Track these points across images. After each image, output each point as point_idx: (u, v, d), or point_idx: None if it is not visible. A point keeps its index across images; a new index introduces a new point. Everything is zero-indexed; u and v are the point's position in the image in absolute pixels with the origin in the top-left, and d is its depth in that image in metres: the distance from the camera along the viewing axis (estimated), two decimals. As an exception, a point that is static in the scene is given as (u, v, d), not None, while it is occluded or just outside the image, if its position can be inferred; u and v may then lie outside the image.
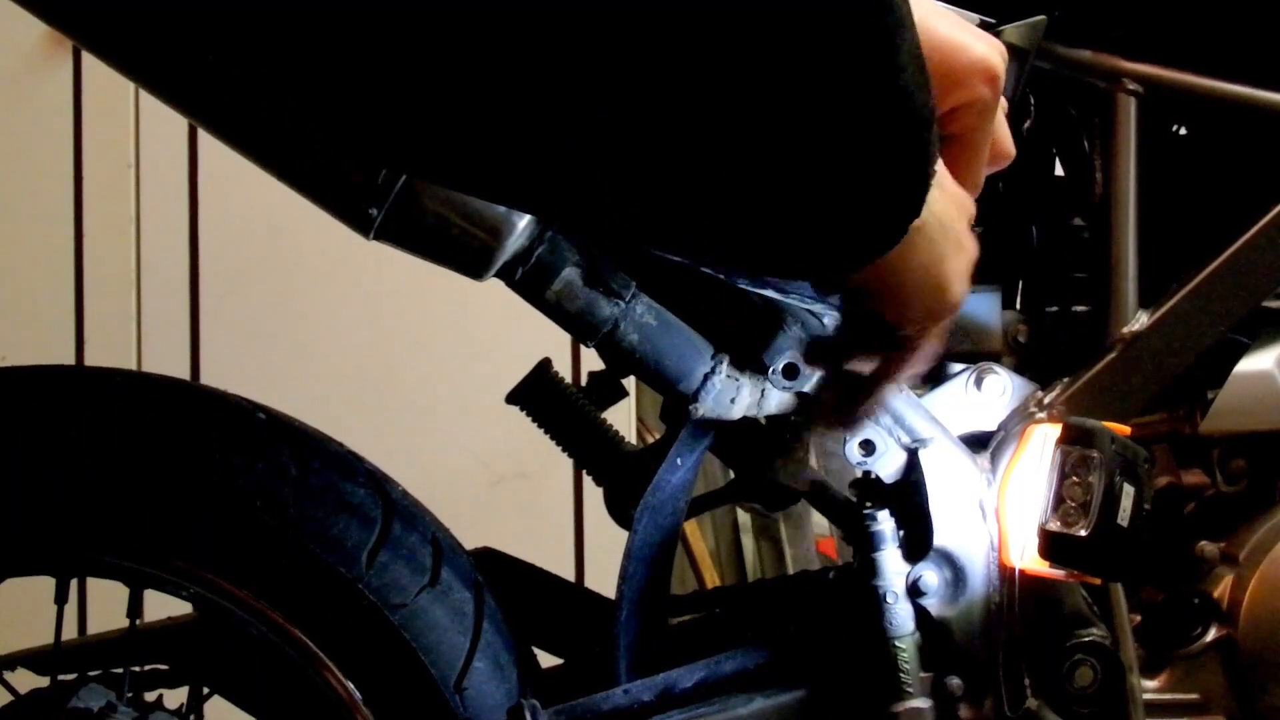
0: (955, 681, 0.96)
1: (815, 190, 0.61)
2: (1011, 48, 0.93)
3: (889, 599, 0.95)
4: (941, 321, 0.79)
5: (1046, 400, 1.00)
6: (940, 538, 0.95)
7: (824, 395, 0.94)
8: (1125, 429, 0.94)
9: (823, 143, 0.58)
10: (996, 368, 1.02)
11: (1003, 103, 0.79)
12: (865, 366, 0.84)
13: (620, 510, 1.03)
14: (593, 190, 0.60)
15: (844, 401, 0.89)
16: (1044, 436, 0.96)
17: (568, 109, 0.54)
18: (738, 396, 0.94)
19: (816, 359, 0.93)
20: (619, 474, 1.04)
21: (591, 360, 0.97)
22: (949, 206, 0.75)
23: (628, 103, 0.54)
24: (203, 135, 1.73)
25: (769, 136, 0.57)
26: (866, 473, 0.99)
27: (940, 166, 0.75)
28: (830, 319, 0.95)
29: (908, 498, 0.97)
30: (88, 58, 1.34)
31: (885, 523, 0.95)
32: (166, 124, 2.04)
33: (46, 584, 0.95)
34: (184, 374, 2.12)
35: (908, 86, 0.59)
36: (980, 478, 0.97)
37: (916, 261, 0.74)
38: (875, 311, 0.77)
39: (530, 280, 0.90)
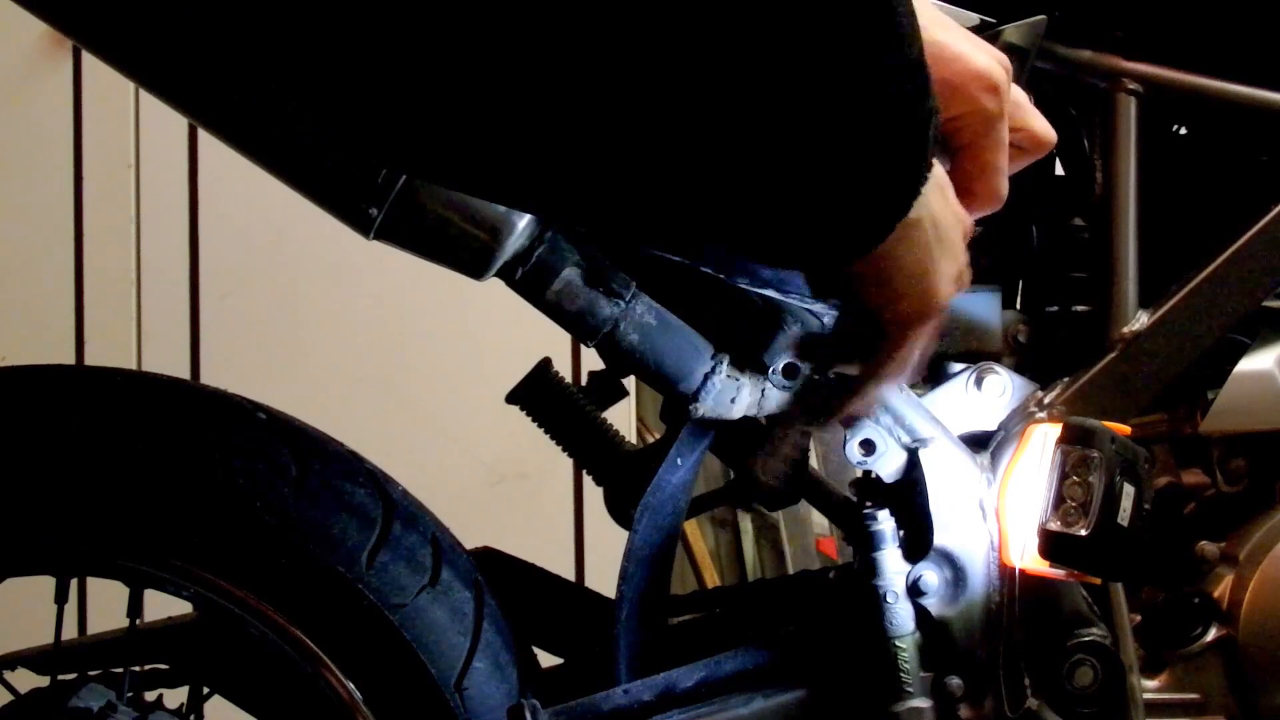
0: (955, 681, 0.96)
1: (813, 180, 0.62)
2: (1011, 48, 0.94)
3: (889, 599, 0.95)
4: (927, 323, 0.80)
5: (1047, 400, 1.00)
6: (940, 537, 0.95)
7: (816, 392, 0.94)
8: (1125, 429, 0.94)
9: (822, 134, 0.59)
10: (996, 368, 1.02)
11: (1020, 95, 0.80)
12: (855, 365, 0.85)
13: (620, 510, 1.03)
14: (587, 185, 0.61)
15: (836, 398, 0.89)
16: (1044, 436, 0.96)
17: (563, 107, 0.54)
18: (738, 396, 0.94)
19: (809, 355, 0.94)
20: (619, 474, 1.03)
21: (591, 360, 0.97)
22: (946, 213, 0.76)
23: (627, 95, 0.54)
24: (203, 135, 1.73)
25: (768, 125, 0.58)
26: (866, 472, 0.99)
27: (943, 176, 0.76)
28: (830, 318, 0.95)
29: (908, 497, 0.97)
30: (88, 58, 1.34)
31: (885, 522, 0.95)
32: (166, 124, 2.04)
33: (46, 584, 0.94)
34: (184, 374, 2.12)
35: (907, 88, 0.60)
36: (980, 477, 0.97)
37: (909, 259, 0.75)
38: (866, 305, 0.79)
39: (530, 280, 0.90)
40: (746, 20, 0.53)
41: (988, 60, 0.75)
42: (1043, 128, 0.82)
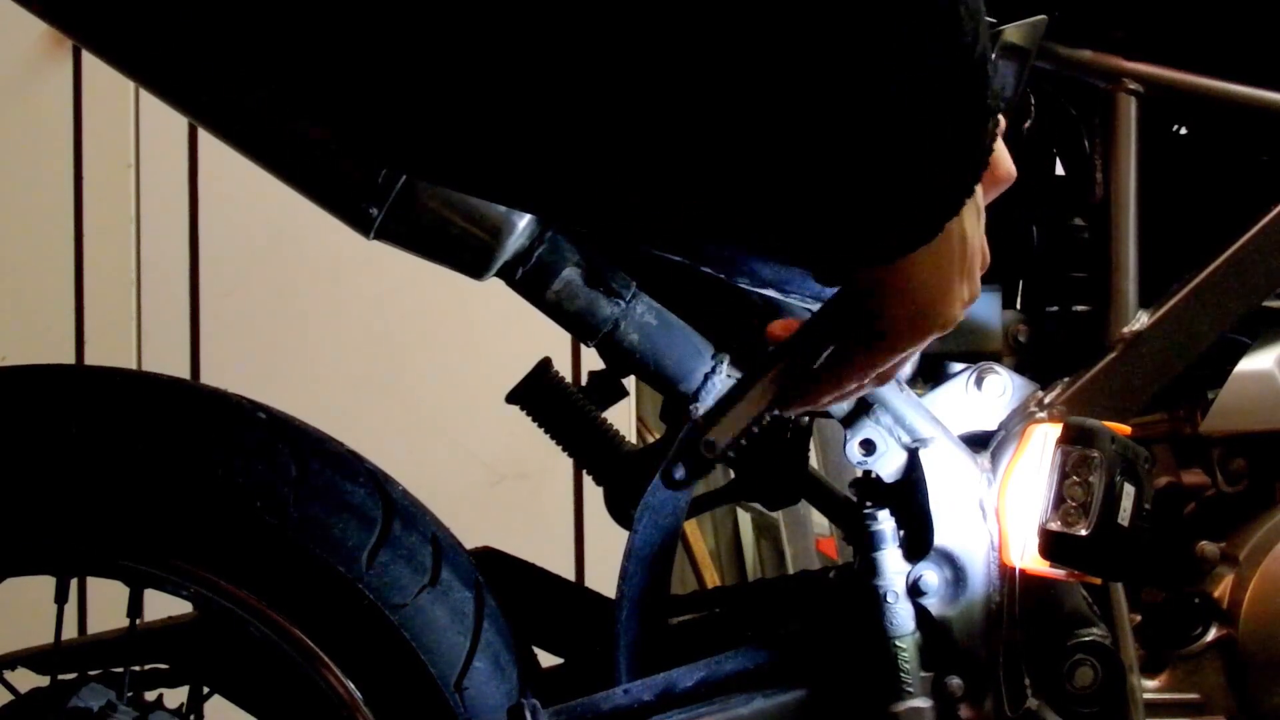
0: (955, 681, 0.96)
1: (866, 172, 0.59)
2: (1011, 48, 0.94)
3: (889, 599, 0.95)
4: (924, 340, 0.78)
5: (1047, 400, 1.00)
6: (941, 537, 0.95)
7: (782, 371, 0.87)
8: (1125, 429, 0.94)
9: (878, 126, 0.57)
10: (997, 368, 1.02)
11: (1000, 122, 0.79)
12: (831, 357, 0.82)
13: (620, 510, 1.03)
14: (595, 186, 0.60)
15: (799, 385, 0.85)
16: (1044, 436, 0.96)
17: (577, 105, 0.54)
18: (738, 396, 0.94)
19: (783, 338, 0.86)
20: (619, 474, 1.03)
21: (591, 360, 0.97)
22: (976, 236, 0.76)
23: (645, 91, 0.53)
24: (203, 135, 1.73)
25: (818, 115, 0.55)
26: (866, 472, 0.99)
27: (979, 197, 0.75)
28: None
29: (908, 497, 0.97)
30: (88, 58, 1.34)
31: (885, 522, 0.95)
32: (166, 124, 2.04)
33: (46, 584, 0.95)
34: (184, 374, 2.12)
35: (966, 83, 0.58)
36: (980, 477, 0.97)
37: (932, 273, 0.74)
38: (870, 311, 0.77)
39: (531, 280, 0.90)
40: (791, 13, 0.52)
41: None
42: (1007, 161, 0.81)
